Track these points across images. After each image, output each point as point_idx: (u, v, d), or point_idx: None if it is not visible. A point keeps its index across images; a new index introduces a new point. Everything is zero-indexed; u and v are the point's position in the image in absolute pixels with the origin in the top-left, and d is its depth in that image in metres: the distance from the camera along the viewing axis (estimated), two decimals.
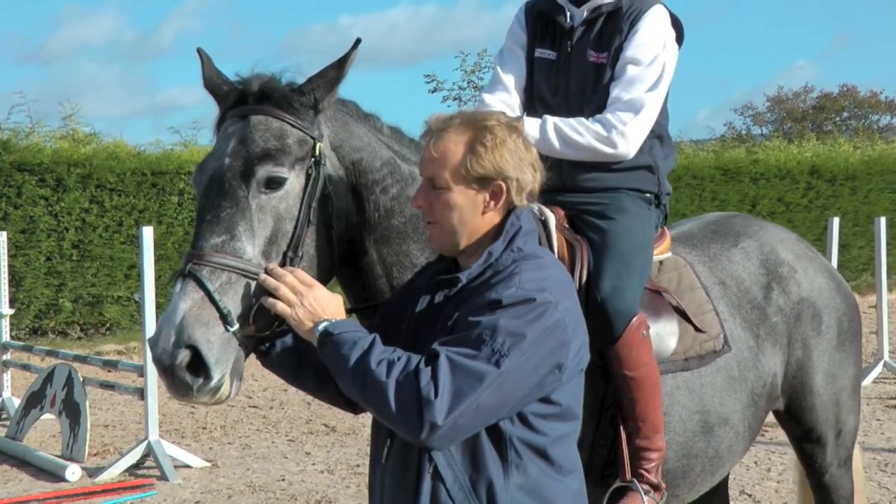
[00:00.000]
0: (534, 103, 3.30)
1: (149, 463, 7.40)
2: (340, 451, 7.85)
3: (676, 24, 3.25)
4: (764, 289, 3.54)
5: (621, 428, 3.01)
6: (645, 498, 2.97)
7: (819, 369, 3.60)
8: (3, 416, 9.32)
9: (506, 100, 3.28)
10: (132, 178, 13.44)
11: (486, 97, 3.30)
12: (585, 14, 3.21)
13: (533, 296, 2.22)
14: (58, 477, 7.18)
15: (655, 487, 3.01)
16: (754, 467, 6.97)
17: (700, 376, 3.24)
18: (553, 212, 3.09)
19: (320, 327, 2.31)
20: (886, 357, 10.66)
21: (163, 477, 7.13)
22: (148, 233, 7.52)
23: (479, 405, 2.16)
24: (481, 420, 2.20)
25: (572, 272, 3.01)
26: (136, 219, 13.27)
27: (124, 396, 9.09)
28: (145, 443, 7.35)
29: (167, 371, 2.35)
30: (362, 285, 2.80)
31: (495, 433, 2.26)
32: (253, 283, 2.42)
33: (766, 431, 6.89)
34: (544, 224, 3.03)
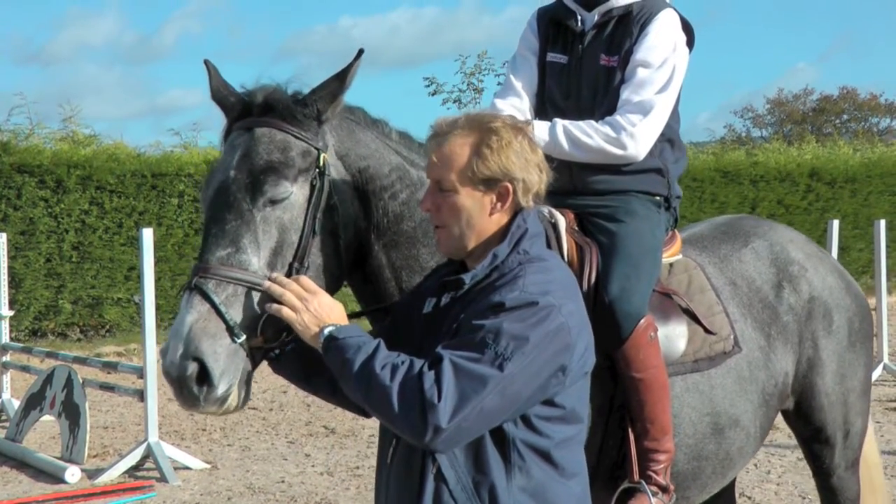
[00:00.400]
0: (545, 107, 3.32)
1: (148, 465, 7.39)
2: (340, 453, 7.85)
3: (687, 27, 3.27)
4: (775, 288, 3.56)
5: (629, 429, 3.02)
6: (653, 499, 2.97)
7: (829, 369, 3.60)
8: (3, 417, 9.31)
9: (517, 104, 3.31)
10: (132, 180, 13.44)
11: (498, 102, 3.33)
12: (596, 18, 3.24)
13: (536, 299, 2.23)
14: (57, 478, 7.18)
15: (664, 489, 3.02)
16: (754, 469, 6.97)
17: (710, 378, 3.24)
18: (563, 214, 3.11)
19: (325, 332, 2.33)
20: (886, 360, 10.66)
21: (162, 479, 7.12)
22: (148, 234, 7.52)
23: (483, 408, 2.17)
24: (485, 423, 2.21)
25: (581, 274, 3.02)
26: (135, 220, 13.28)
27: (124, 398, 9.10)
28: (145, 444, 7.34)
29: (176, 382, 2.38)
30: (372, 290, 2.81)
31: (499, 435, 2.27)
32: (258, 295, 2.43)
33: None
34: (554, 226, 3.05)
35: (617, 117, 3.10)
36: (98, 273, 13.29)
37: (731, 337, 3.31)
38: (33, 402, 8.32)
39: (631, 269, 3.04)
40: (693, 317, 3.25)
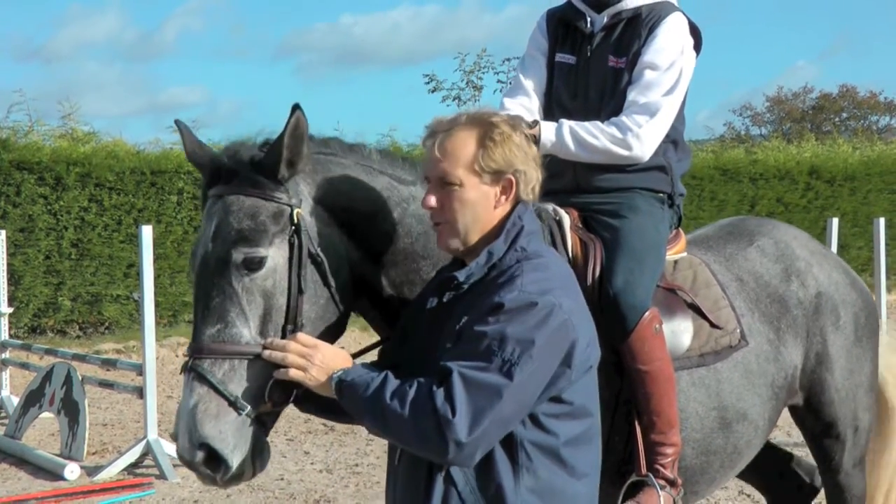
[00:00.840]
0: (552, 107, 3.35)
1: (147, 462, 7.40)
2: (339, 451, 7.85)
3: (695, 31, 3.30)
4: (783, 282, 3.58)
5: (636, 423, 3.02)
6: (661, 493, 2.98)
7: (838, 364, 3.62)
8: (2, 414, 9.32)
9: (526, 104, 3.34)
10: (131, 177, 13.44)
11: (507, 101, 3.35)
12: (605, 20, 3.27)
13: (535, 299, 2.25)
14: (56, 475, 7.18)
15: (671, 483, 3.03)
16: None
17: (716, 372, 3.26)
18: (567, 212, 3.13)
19: (335, 379, 2.35)
20: None
21: (161, 476, 7.13)
22: (147, 232, 7.52)
23: (500, 417, 2.20)
24: (503, 429, 2.25)
25: (585, 270, 3.05)
26: (135, 218, 13.27)
27: (123, 395, 9.09)
28: (144, 441, 7.35)
29: (190, 467, 2.41)
30: (377, 312, 2.81)
31: (507, 437, 2.28)
32: (258, 364, 2.43)
33: None
34: (559, 224, 3.07)
35: (623, 118, 3.13)
36: (97, 270, 13.28)
37: (738, 331, 3.33)
38: (32, 399, 8.32)
39: (634, 263, 3.06)
40: (698, 311, 3.27)
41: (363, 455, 7.66)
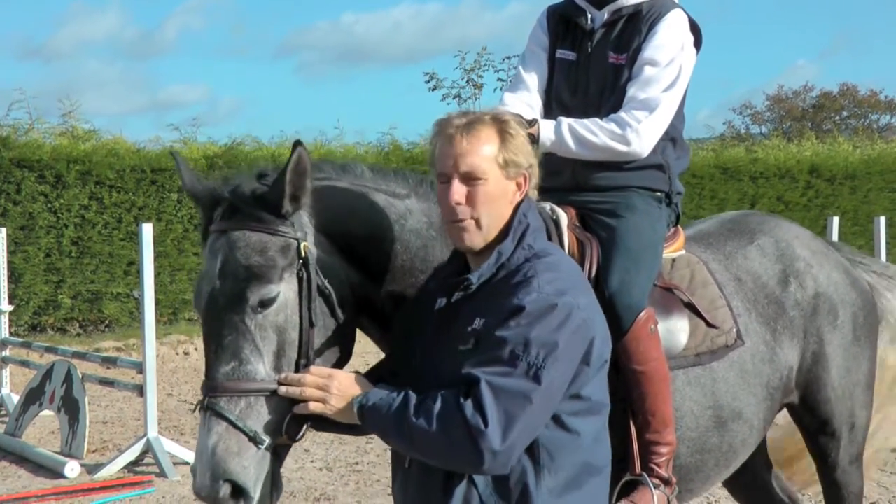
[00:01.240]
0: (552, 103, 3.35)
1: (148, 460, 7.40)
2: (339, 449, 7.85)
3: (695, 28, 3.30)
4: (781, 283, 3.58)
5: (631, 422, 3.02)
6: (655, 492, 2.98)
7: (835, 363, 3.62)
8: (2, 412, 9.32)
9: (527, 99, 3.33)
10: (131, 175, 13.44)
11: (508, 96, 3.35)
12: (606, 16, 3.27)
13: (555, 301, 2.27)
14: (57, 473, 7.19)
15: (666, 481, 3.03)
16: None
17: (712, 371, 3.26)
18: (565, 211, 3.13)
19: (356, 405, 2.35)
20: None
21: (162, 474, 7.13)
22: (147, 229, 7.52)
23: (530, 421, 2.22)
24: (534, 433, 2.27)
25: (582, 269, 3.04)
26: (135, 215, 13.29)
27: (123, 393, 9.09)
28: (144, 439, 7.35)
29: (212, 503, 2.40)
30: (376, 326, 2.80)
31: None
32: (274, 399, 2.42)
33: None
34: (556, 223, 3.07)
35: (622, 114, 3.12)
36: (97, 268, 13.29)
37: (734, 330, 3.32)
38: (33, 397, 8.32)
39: (630, 262, 3.06)
40: (695, 311, 3.27)
41: (363, 453, 7.67)
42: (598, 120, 3.13)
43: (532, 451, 2.29)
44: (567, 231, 3.08)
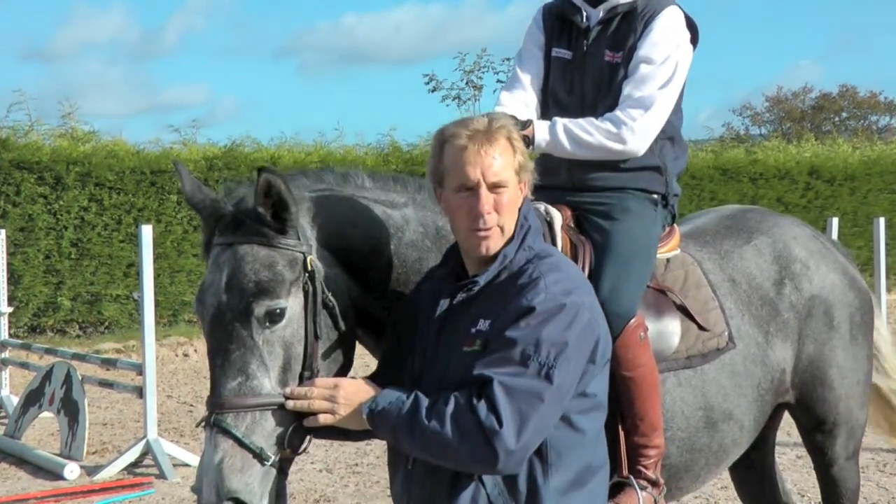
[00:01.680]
0: (548, 102, 3.35)
1: (147, 461, 7.40)
2: (339, 450, 7.84)
3: (691, 25, 3.29)
4: (776, 285, 3.57)
5: (619, 425, 3.03)
6: (641, 494, 2.99)
7: (832, 363, 3.63)
8: (2, 414, 9.32)
9: (523, 98, 3.34)
10: (131, 177, 13.44)
11: (505, 96, 3.35)
12: (601, 14, 3.26)
13: (564, 301, 2.30)
14: (56, 475, 7.18)
15: (653, 483, 3.04)
16: None
17: (703, 373, 3.27)
18: (560, 211, 3.13)
19: (365, 412, 2.36)
20: None
21: (161, 475, 7.13)
22: (147, 231, 7.52)
23: (543, 420, 2.25)
24: (546, 431, 2.29)
25: None
26: (134, 217, 13.28)
27: (123, 395, 9.09)
28: (144, 441, 7.35)
29: None
30: (372, 334, 2.81)
31: None
32: (279, 413, 2.43)
33: None
34: (549, 224, 3.07)
35: (618, 112, 3.12)
36: (97, 270, 13.29)
37: (726, 333, 3.33)
38: (32, 399, 8.32)
39: (622, 268, 3.06)
40: (687, 313, 3.27)
41: (363, 454, 7.66)
42: (593, 119, 3.13)
43: (540, 449, 2.31)
44: (560, 232, 3.08)
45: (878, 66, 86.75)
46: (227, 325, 2.43)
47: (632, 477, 3.01)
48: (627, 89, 3.14)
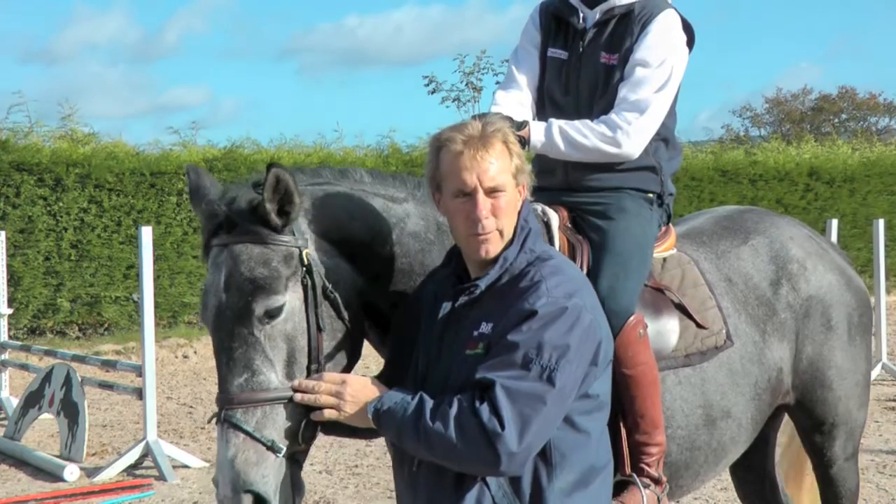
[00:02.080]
0: (544, 102, 3.35)
1: (147, 463, 7.40)
2: (339, 452, 7.85)
3: (687, 28, 3.30)
4: (773, 284, 3.58)
5: (621, 424, 3.04)
6: (645, 492, 3.00)
7: (830, 364, 3.63)
8: (2, 415, 9.32)
9: (519, 98, 3.34)
10: (131, 179, 13.44)
11: (500, 95, 3.35)
12: (598, 16, 3.26)
13: (566, 304, 2.31)
14: (56, 477, 7.18)
15: (656, 481, 3.05)
16: None
17: (702, 371, 3.28)
18: (557, 211, 3.14)
19: (370, 410, 2.38)
20: (884, 359, 10.69)
21: (161, 477, 7.13)
22: (146, 233, 7.52)
23: (545, 422, 2.26)
24: (548, 434, 2.31)
25: None
26: (134, 219, 13.29)
27: (122, 396, 9.10)
28: (143, 443, 7.35)
29: None
30: (377, 328, 2.82)
31: None
32: (289, 406, 2.45)
33: None
34: (546, 225, 3.08)
35: (613, 115, 3.13)
36: (97, 271, 13.29)
37: (724, 331, 3.34)
38: (32, 401, 8.32)
39: (620, 267, 3.07)
40: (685, 312, 3.28)
41: (363, 456, 7.66)
42: (588, 122, 3.14)
43: (544, 451, 2.33)
44: (558, 233, 3.10)
45: (878, 67, 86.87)
46: (228, 323, 2.46)
47: (635, 475, 3.02)
48: (623, 92, 3.15)
